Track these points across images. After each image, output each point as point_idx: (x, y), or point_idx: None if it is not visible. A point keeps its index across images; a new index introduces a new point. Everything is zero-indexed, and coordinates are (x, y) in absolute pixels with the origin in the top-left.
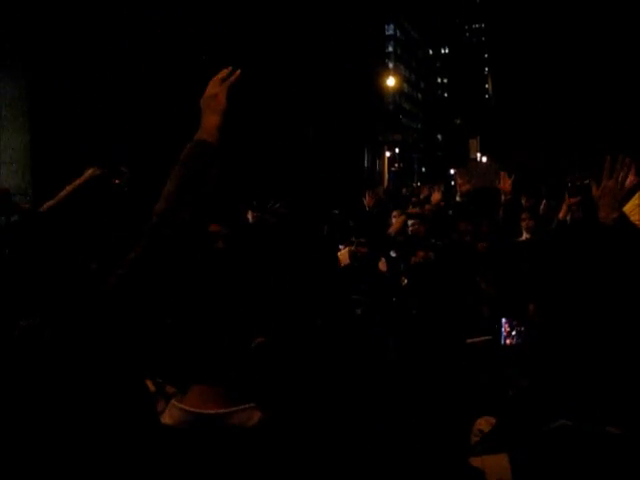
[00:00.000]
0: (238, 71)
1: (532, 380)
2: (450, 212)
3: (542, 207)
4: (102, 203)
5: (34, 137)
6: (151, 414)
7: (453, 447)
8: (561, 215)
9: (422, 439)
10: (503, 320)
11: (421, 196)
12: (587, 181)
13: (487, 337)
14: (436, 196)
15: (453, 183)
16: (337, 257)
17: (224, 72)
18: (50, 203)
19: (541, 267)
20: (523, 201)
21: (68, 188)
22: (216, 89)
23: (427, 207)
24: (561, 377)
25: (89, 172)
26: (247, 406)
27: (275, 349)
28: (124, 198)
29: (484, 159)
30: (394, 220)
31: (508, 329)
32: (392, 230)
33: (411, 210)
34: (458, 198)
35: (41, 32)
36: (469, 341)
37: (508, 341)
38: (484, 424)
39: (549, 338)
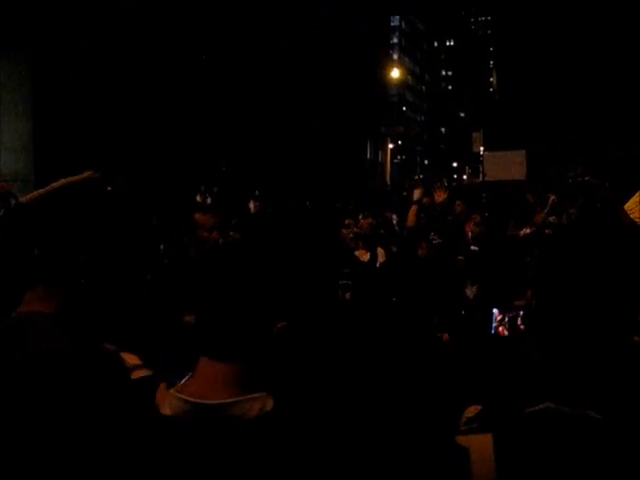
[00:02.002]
0: None
1: (521, 363)
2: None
3: (550, 202)
4: (89, 205)
5: (36, 123)
6: (150, 405)
7: (441, 427)
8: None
9: (412, 420)
10: (495, 310)
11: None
12: (587, 177)
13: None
14: (440, 195)
15: (456, 176)
16: (338, 248)
17: None
18: (40, 191)
19: (547, 256)
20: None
21: (62, 181)
22: None
23: (425, 200)
24: (550, 361)
25: (87, 173)
26: (249, 396)
27: (296, 333)
28: (111, 205)
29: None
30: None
31: (500, 318)
32: (409, 223)
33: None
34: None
35: (44, 18)
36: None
37: (500, 329)
38: (473, 411)
39: (543, 323)
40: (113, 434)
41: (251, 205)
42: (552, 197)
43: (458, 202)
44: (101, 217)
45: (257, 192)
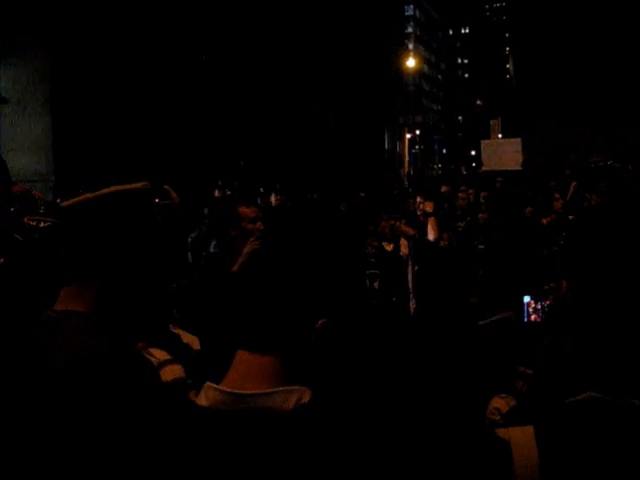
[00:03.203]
0: None
1: (557, 355)
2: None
3: (571, 189)
4: (138, 215)
5: (55, 123)
6: (185, 399)
7: (476, 418)
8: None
9: (448, 412)
10: (526, 298)
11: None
12: (610, 162)
13: (504, 315)
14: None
15: (474, 164)
16: (360, 240)
17: None
18: (88, 195)
19: (576, 244)
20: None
21: (112, 188)
22: None
23: (445, 189)
24: (589, 350)
25: (142, 184)
26: (286, 388)
27: (336, 330)
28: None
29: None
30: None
31: (533, 305)
32: (433, 236)
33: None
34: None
35: (61, 18)
36: (482, 323)
37: (533, 317)
38: (501, 403)
39: (580, 312)
40: (148, 429)
41: (272, 199)
42: (574, 183)
43: (470, 191)
44: (141, 226)
45: (278, 185)
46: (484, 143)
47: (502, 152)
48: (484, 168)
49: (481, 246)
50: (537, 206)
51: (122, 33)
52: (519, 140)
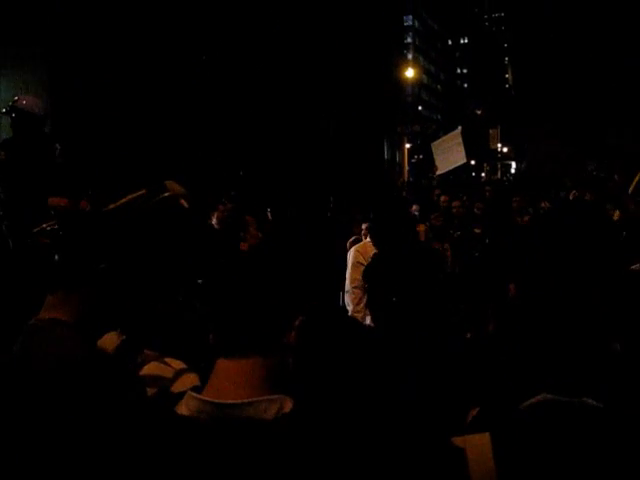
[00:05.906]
0: None
1: (510, 359)
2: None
3: (571, 198)
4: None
5: (55, 132)
6: (165, 406)
7: (435, 428)
8: None
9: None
10: None
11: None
12: (595, 172)
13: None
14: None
15: (474, 174)
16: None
17: None
18: (123, 201)
19: (523, 247)
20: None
21: (179, 188)
22: None
23: (444, 198)
24: (540, 352)
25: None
26: (267, 397)
27: (313, 326)
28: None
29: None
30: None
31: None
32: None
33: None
34: None
35: (63, 28)
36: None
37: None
38: (474, 414)
39: (529, 315)
40: (123, 439)
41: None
42: (573, 192)
43: (464, 198)
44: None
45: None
46: (434, 145)
47: (448, 149)
48: (438, 172)
49: (477, 253)
50: (532, 217)
51: (121, 37)
52: (459, 132)
